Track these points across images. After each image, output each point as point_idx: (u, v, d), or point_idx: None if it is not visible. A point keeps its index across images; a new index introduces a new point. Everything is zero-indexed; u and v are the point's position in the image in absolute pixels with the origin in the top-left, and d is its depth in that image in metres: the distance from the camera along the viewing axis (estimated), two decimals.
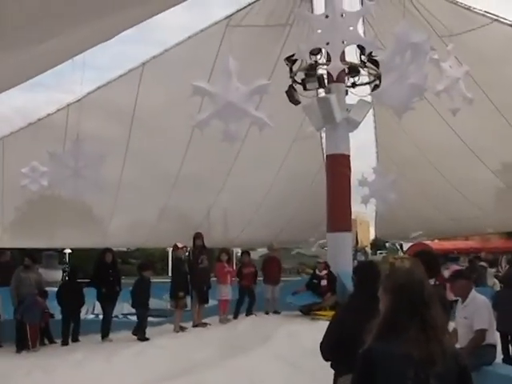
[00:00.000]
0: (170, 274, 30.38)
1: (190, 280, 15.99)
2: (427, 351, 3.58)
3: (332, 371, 6.03)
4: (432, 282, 6.16)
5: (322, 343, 6.03)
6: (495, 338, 9.11)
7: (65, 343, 15.76)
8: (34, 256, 17.83)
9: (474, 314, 8.59)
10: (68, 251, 37.25)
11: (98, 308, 17.74)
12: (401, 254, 37.62)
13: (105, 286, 15.94)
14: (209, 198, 23.23)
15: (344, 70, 16.86)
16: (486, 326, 8.57)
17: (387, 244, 51.22)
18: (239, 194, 22.65)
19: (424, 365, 3.55)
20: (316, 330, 12.42)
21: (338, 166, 17.43)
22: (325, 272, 16.11)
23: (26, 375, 12.14)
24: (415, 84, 12.11)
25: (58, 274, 28.76)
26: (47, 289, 17.16)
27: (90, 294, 17.11)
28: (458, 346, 8.19)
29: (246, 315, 16.34)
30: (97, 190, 15.88)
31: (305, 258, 46.76)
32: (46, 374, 12.16)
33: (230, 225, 25.13)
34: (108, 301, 16.06)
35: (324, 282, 15.93)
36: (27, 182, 16.24)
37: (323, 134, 20.08)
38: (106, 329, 15.83)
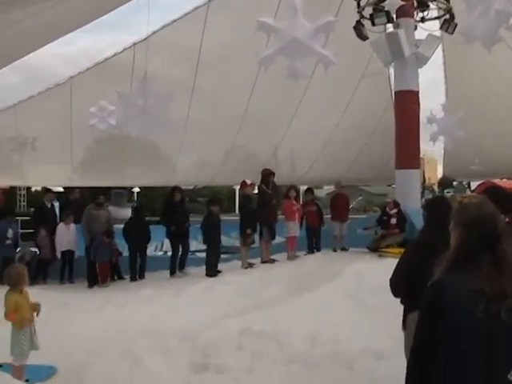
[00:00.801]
0: (237, 211, 30.59)
1: (259, 216, 16.08)
2: (499, 285, 3.54)
3: (401, 308, 6.04)
4: None
5: (391, 279, 6.02)
6: None
7: (133, 279, 16.15)
8: (107, 194, 18.17)
9: None
10: (136, 190, 37.73)
11: (167, 245, 18.07)
12: (469, 192, 37.04)
13: (174, 224, 16.18)
14: (275, 137, 23.14)
15: (413, 4, 16.53)
16: None
17: (455, 183, 50.42)
18: (306, 132, 22.48)
19: (495, 298, 3.51)
20: (384, 267, 12.42)
21: (406, 103, 17.16)
22: (395, 211, 15.95)
23: (99, 309, 12.58)
24: (500, 10, 11.68)
25: (127, 212, 29.22)
26: (117, 226, 17.54)
27: (158, 231, 17.41)
28: None
29: (311, 253, 16.45)
30: (164, 128, 15.99)
31: (371, 196, 46.59)
32: (117, 307, 12.57)
33: (297, 163, 25.06)
34: (177, 238, 16.31)
35: (394, 221, 15.78)
36: (95, 121, 16.38)
37: (391, 71, 19.77)
38: (176, 265, 16.12)
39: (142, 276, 16.41)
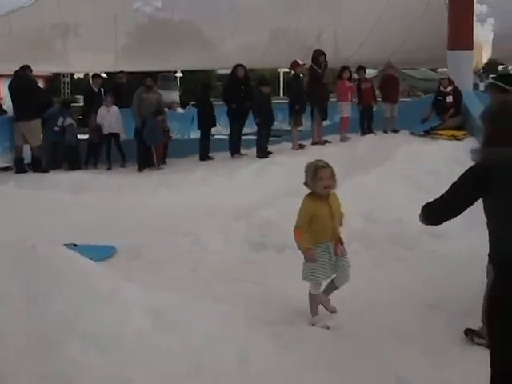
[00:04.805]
0: (281, 94, 30.22)
1: (310, 97, 15.83)
2: None
3: None
4: None
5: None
6: None
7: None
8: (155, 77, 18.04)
9: None
10: (179, 75, 37.57)
11: (217, 128, 17.99)
12: None
13: (235, 102, 16.00)
14: (321, 20, 22.59)
15: None
16: None
17: (500, 67, 49.44)
18: (352, 13, 21.94)
19: None
20: (436, 148, 12.29)
21: None
22: (450, 88, 15.39)
23: (153, 191, 12.77)
24: None
25: (174, 95, 29.22)
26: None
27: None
28: None
29: (364, 134, 16.10)
30: (210, 11, 15.66)
31: (415, 80, 45.95)
32: (171, 189, 12.72)
33: (342, 45, 24.49)
34: (237, 117, 16.15)
35: (449, 99, 15.26)
36: (140, 4, 16.13)
37: None
38: (233, 146, 16.05)
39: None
